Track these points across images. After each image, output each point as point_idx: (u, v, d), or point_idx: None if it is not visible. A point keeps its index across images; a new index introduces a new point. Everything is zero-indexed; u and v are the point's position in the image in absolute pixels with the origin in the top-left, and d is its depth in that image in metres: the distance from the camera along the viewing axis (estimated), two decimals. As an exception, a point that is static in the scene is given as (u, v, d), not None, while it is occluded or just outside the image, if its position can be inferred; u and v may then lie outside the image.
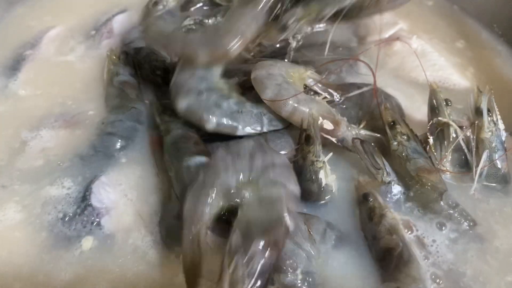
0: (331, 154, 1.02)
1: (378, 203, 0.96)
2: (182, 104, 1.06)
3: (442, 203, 0.98)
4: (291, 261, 0.87)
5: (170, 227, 0.94)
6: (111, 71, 1.24)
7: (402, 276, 0.87)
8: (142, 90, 1.23)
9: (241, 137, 1.06)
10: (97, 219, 0.99)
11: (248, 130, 1.05)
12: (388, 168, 1.01)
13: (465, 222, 0.98)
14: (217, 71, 1.13)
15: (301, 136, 1.03)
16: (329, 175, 1.00)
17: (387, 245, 0.91)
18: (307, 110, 1.03)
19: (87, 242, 0.96)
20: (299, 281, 0.87)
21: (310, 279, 0.88)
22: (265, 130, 1.06)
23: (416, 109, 1.19)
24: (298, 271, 0.87)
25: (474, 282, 0.91)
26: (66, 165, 1.08)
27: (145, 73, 1.24)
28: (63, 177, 1.05)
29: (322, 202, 1.00)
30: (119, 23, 1.44)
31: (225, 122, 1.04)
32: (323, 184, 0.99)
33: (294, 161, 1.01)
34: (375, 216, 0.95)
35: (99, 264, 0.93)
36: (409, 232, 0.95)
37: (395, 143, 1.04)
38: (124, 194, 1.04)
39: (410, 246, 0.91)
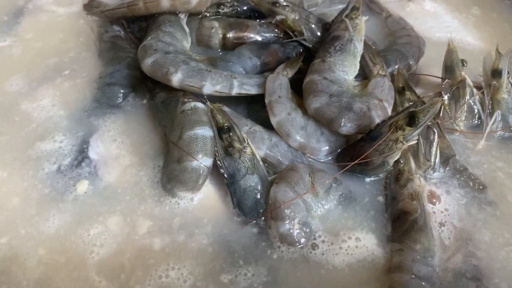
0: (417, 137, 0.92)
1: (409, 167, 0.94)
2: (148, 61, 1.01)
3: (448, 168, 0.97)
4: (289, 210, 0.85)
5: (171, 172, 0.92)
6: (99, 31, 1.23)
7: (409, 241, 0.85)
8: (134, 41, 1.20)
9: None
10: (94, 170, 0.97)
11: (217, 88, 0.99)
12: (437, 165, 0.96)
13: (474, 186, 0.96)
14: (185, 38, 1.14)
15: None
16: (397, 156, 0.94)
17: (405, 208, 0.89)
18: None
19: (82, 186, 0.94)
20: (295, 231, 0.85)
21: (307, 230, 0.86)
22: (234, 92, 1.01)
23: (429, 67, 1.15)
24: (295, 221, 0.85)
25: (481, 245, 0.88)
26: (67, 119, 1.06)
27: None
28: (66, 130, 1.04)
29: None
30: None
31: (192, 78, 0.99)
32: (389, 161, 0.94)
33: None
34: (402, 178, 0.93)
35: (95, 210, 0.92)
36: (435, 203, 0.93)
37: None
38: (123, 145, 1.01)
39: (427, 216, 0.89)
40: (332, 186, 0.92)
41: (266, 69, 1.10)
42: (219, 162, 0.91)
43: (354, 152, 0.95)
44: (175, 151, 0.91)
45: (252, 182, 0.89)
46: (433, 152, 0.95)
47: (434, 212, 0.92)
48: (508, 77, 1.05)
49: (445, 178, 0.96)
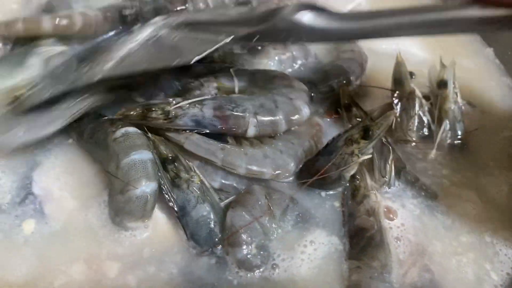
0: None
1: (365, 183, 0.95)
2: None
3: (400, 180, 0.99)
4: (245, 235, 0.83)
5: (117, 205, 0.87)
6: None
7: (367, 258, 0.85)
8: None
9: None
10: (39, 206, 0.92)
11: None
12: (392, 181, 0.97)
13: (426, 196, 0.98)
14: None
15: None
16: (353, 170, 0.94)
17: (361, 225, 0.90)
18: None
19: (29, 225, 0.89)
20: (251, 256, 0.83)
21: (265, 253, 0.85)
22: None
23: (376, 78, 1.17)
24: (252, 246, 0.83)
25: (435, 257, 0.90)
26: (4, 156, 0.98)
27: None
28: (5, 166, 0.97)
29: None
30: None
31: None
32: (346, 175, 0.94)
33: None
34: (358, 195, 0.94)
35: (44, 249, 0.87)
36: (392, 219, 0.93)
37: (350, 126, 1.03)
38: (67, 185, 0.96)
39: (384, 232, 0.89)
40: (289, 207, 0.90)
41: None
42: (167, 196, 0.87)
43: (312, 167, 0.95)
44: (116, 182, 0.87)
45: (204, 211, 0.87)
46: (388, 168, 0.96)
47: (390, 228, 0.92)
48: (453, 88, 1.08)
49: (399, 191, 0.98)
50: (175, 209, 0.87)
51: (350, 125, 1.02)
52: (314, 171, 0.93)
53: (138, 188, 0.84)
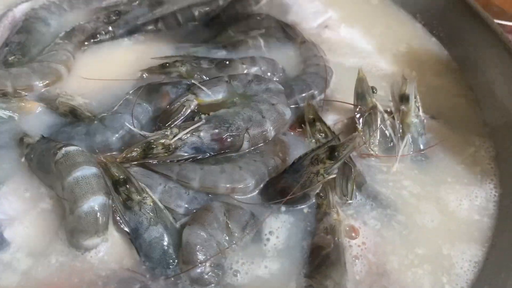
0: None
1: (328, 201, 0.95)
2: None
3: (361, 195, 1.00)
4: (200, 254, 0.83)
5: (70, 226, 0.87)
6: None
7: (320, 276, 0.85)
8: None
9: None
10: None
11: None
12: (354, 198, 0.99)
13: (386, 209, 0.99)
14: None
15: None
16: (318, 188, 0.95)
17: (318, 243, 0.90)
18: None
19: None
20: (207, 275, 0.83)
21: (220, 272, 0.84)
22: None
23: (342, 92, 1.19)
24: (207, 264, 0.83)
25: (393, 275, 0.90)
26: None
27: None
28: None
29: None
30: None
31: None
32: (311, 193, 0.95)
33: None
34: (319, 212, 0.95)
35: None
36: (354, 238, 0.94)
37: (313, 140, 1.06)
38: (29, 201, 0.94)
39: (342, 250, 0.89)
40: (248, 224, 0.90)
41: (159, 113, 1.06)
42: (118, 218, 0.87)
43: (277, 184, 0.96)
44: (66, 204, 0.86)
45: (156, 233, 0.86)
46: (350, 188, 0.97)
47: (350, 246, 0.92)
48: (415, 102, 1.10)
49: (359, 207, 0.98)
50: (128, 231, 0.87)
51: (313, 140, 1.05)
52: (279, 188, 0.95)
53: (84, 204, 0.84)
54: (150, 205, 0.88)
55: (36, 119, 1.07)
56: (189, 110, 1.03)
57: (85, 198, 0.84)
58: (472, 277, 0.91)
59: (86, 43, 1.27)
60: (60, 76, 1.15)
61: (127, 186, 0.89)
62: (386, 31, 1.43)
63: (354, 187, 0.98)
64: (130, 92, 1.08)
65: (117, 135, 1.00)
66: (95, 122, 1.02)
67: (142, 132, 0.98)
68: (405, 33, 1.42)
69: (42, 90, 1.12)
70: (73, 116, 1.06)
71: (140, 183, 0.91)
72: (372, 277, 0.88)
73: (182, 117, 1.03)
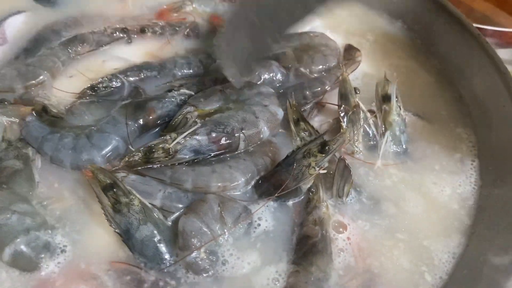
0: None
1: (318, 196, 1.01)
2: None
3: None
4: (195, 239, 0.88)
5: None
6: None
7: (306, 263, 0.90)
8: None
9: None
10: None
11: None
12: (349, 200, 1.04)
13: (370, 204, 1.05)
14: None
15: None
16: (310, 182, 1.00)
17: (307, 233, 0.95)
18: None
19: None
20: (200, 260, 0.88)
21: (214, 258, 0.89)
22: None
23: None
24: (202, 250, 0.88)
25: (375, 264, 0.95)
26: None
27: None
28: None
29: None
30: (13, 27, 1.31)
31: None
32: (303, 187, 1.00)
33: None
34: (310, 206, 1.00)
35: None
36: (340, 232, 0.98)
37: (298, 139, 1.11)
38: None
39: (328, 241, 0.94)
40: (241, 215, 0.95)
41: (146, 130, 1.10)
42: (109, 222, 0.91)
43: (271, 177, 1.02)
44: None
45: (147, 231, 0.89)
46: (346, 190, 1.02)
47: (336, 239, 0.97)
48: (396, 101, 1.16)
49: (348, 205, 1.03)
50: (120, 233, 0.90)
51: (298, 138, 1.10)
52: (273, 180, 1.01)
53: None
54: (138, 205, 0.91)
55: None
56: (192, 121, 1.08)
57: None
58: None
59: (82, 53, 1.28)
60: (41, 81, 1.17)
61: (114, 190, 0.92)
62: (368, 34, 1.49)
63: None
64: (115, 109, 1.10)
65: (103, 153, 1.02)
66: (82, 137, 1.03)
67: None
68: (388, 38, 1.49)
69: (21, 92, 1.14)
70: (44, 113, 1.08)
71: (126, 186, 0.94)
72: (355, 270, 0.93)
73: (190, 130, 1.04)
